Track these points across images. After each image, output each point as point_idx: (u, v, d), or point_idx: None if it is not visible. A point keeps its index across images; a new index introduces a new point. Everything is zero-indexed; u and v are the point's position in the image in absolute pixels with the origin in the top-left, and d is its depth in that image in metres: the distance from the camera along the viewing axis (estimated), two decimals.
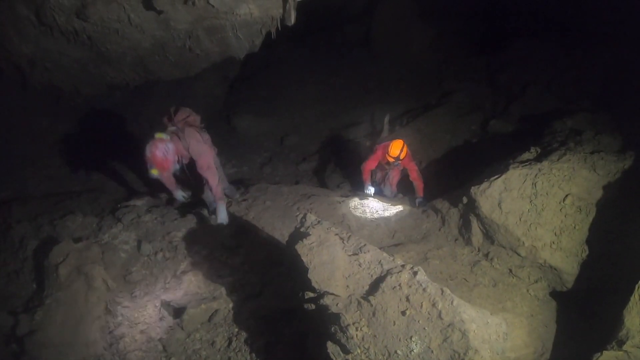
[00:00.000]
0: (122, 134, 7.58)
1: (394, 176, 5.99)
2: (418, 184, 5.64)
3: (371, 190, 5.74)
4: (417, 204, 5.59)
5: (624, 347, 3.26)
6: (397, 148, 5.39)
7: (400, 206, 5.58)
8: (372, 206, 5.53)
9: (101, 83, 6.77)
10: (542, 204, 4.30)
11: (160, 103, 7.83)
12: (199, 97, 8.18)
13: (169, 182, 4.95)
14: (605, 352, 3.34)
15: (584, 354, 3.52)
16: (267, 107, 8.14)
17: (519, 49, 7.59)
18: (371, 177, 5.90)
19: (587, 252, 4.21)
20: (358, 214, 5.27)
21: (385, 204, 5.66)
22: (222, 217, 4.70)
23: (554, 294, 4.32)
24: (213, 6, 5.30)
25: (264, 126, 7.96)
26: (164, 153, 4.53)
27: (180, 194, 5.05)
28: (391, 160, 5.47)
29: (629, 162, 4.47)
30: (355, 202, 5.50)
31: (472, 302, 4.01)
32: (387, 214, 5.42)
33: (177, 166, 4.79)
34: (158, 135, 4.60)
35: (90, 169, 6.26)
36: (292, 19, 5.62)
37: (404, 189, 6.04)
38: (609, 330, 3.46)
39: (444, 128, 6.38)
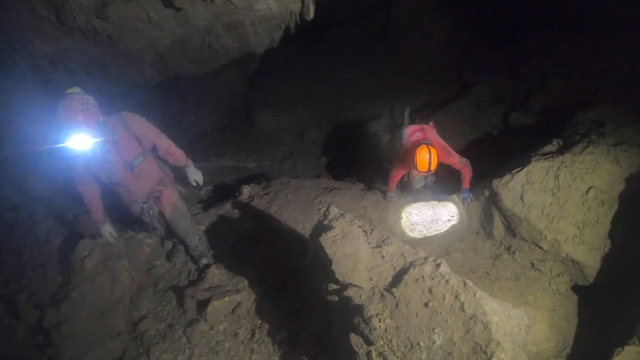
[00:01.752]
0: None
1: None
2: (465, 174, 4.90)
3: (392, 197, 5.20)
4: (461, 199, 5.00)
5: None
6: (424, 161, 4.59)
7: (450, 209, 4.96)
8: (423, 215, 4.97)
9: (122, 81, 6.84)
10: (565, 196, 4.28)
11: (181, 99, 7.95)
12: (218, 93, 8.26)
13: (93, 199, 3.76)
14: (627, 347, 3.34)
15: (606, 349, 3.51)
16: (286, 101, 8.18)
17: (539, 40, 7.51)
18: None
19: (610, 246, 4.19)
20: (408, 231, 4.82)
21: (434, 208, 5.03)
22: (198, 177, 4.04)
23: (576, 288, 4.30)
24: (232, 2, 5.33)
25: (284, 120, 8.00)
26: (85, 108, 3.31)
27: (107, 230, 3.84)
28: (421, 173, 4.78)
29: None
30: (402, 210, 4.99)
31: (494, 296, 3.99)
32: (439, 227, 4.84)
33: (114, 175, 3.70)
34: (70, 90, 3.45)
35: None
36: (311, 13, 5.63)
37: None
38: (630, 326, 3.45)
39: (464, 121, 6.35)
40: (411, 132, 5.05)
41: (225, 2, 5.30)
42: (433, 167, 4.62)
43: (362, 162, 6.53)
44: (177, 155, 3.98)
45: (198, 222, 4.84)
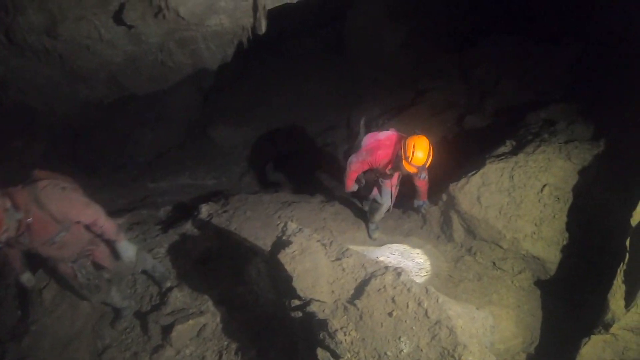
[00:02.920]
0: (98, 151, 7.55)
1: (393, 182, 4.79)
2: (423, 187, 4.69)
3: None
4: (416, 207, 4.86)
5: (611, 330, 3.33)
6: (424, 151, 4.07)
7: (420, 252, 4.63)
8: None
9: (75, 101, 6.72)
10: (521, 195, 4.37)
11: (136, 118, 7.83)
12: (174, 110, 8.16)
13: (10, 256, 3.49)
14: (593, 337, 3.42)
15: (573, 340, 3.59)
16: (243, 116, 8.14)
17: (490, 44, 7.67)
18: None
19: (568, 239, 4.29)
20: None
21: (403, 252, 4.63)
22: (130, 254, 3.60)
23: (539, 283, 4.39)
24: (183, 18, 5.30)
25: (241, 136, 7.94)
26: None
27: (26, 278, 3.55)
28: (412, 170, 4.20)
29: (602, 148, 4.56)
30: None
31: (458, 298, 4.06)
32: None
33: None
34: None
35: None
36: (262, 27, 5.62)
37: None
38: (595, 315, 3.51)
39: (419, 127, 6.39)
40: (374, 134, 4.73)
41: (177, 18, 5.27)
42: (430, 161, 4.17)
43: (320, 173, 6.53)
44: (106, 228, 3.47)
45: (158, 244, 4.73)
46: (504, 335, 3.92)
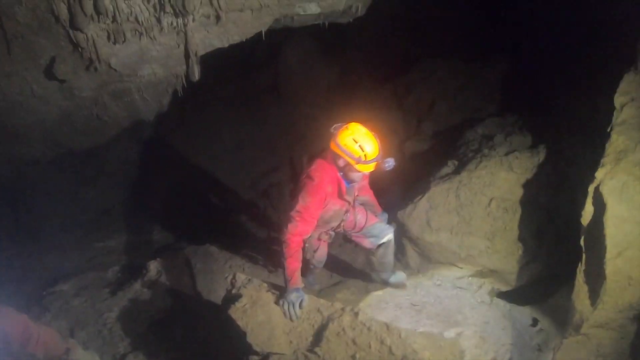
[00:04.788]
0: (40, 214, 7.24)
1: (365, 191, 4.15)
2: (372, 197, 4.22)
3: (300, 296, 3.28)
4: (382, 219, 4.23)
5: (582, 331, 3.31)
6: (366, 136, 3.49)
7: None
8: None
9: (12, 162, 6.47)
10: (469, 213, 4.39)
11: (77, 175, 7.58)
12: (115, 165, 7.95)
13: None
14: (565, 341, 3.39)
15: (546, 346, 3.57)
16: (182, 166, 7.99)
17: (421, 70, 7.80)
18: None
19: (522, 248, 4.33)
20: None
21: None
22: None
23: (501, 295, 4.39)
24: (116, 70, 5.24)
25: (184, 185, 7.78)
26: None
27: None
28: (371, 169, 3.59)
29: (542, 155, 4.66)
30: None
31: (423, 324, 3.99)
32: None
33: None
34: None
35: (8, 256, 5.86)
36: (196, 74, 5.59)
37: None
38: (563, 318, 3.52)
39: None
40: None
41: (109, 70, 5.18)
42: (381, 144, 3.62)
43: (266, 217, 6.44)
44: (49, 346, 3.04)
45: (107, 309, 4.56)
46: (475, 354, 3.86)
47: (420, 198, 4.52)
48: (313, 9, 5.72)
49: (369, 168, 3.64)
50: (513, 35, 7.02)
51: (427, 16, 8.04)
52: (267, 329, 2.75)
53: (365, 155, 3.52)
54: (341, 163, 3.62)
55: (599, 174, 3.22)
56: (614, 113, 3.46)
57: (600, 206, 3.13)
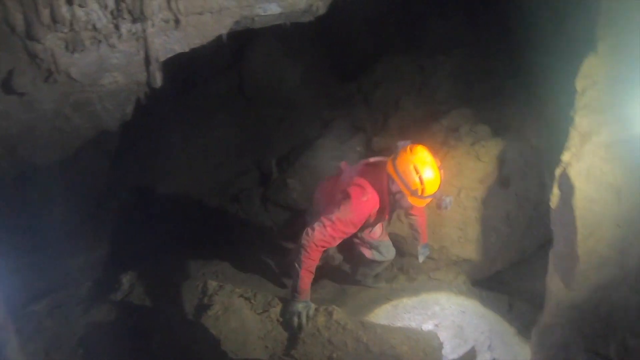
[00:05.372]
0: (9, 233, 7.04)
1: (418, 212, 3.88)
2: (423, 224, 3.98)
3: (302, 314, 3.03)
4: (420, 254, 4.09)
5: (559, 313, 3.30)
6: (430, 166, 3.19)
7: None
8: None
9: None
10: None
11: (43, 192, 7.37)
12: (81, 178, 7.76)
13: None
14: (542, 324, 3.38)
15: (524, 329, 3.59)
16: (151, 176, 7.85)
17: (386, 66, 7.84)
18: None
19: (495, 235, 4.35)
20: None
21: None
22: None
23: (477, 284, 4.41)
24: (76, 80, 5.07)
25: (150, 195, 7.65)
26: None
27: None
28: (425, 203, 3.35)
29: (508, 142, 4.71)
30: None
31: (400, 319, 3.99)
32: None
33: None
34: None
35: None
36: (157, 81, 5.44)
37: None
38: (539, 301, 3.51)
39: (329, 156, 6.40)
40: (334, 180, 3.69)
41: (69, 80, 5.02)
42: (443, 180, 3.26)
43: (238, 223, 6.37)
44: None
45: (82, 327, 4.44)
46: (454, 344, 3.87)
47: None
48: (273, 9, 5.67)
49: (422, 203, 3.31)
50: (474, 26, 7.10)
51: (389, 12, 8.09)
52: (241, 336, 2.69)
53: (422, 189, 3.16)
54: (394, 188, 3.27)
55: (565, 157, 3.24)
56: (576, 97, 3.48)
57: (568, 189, 3.15)
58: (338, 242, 3.29)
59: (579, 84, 3.54)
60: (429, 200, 3.30)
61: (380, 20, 8.23)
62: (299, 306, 2.99)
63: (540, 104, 4.78)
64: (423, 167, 3.17)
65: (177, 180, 7.76)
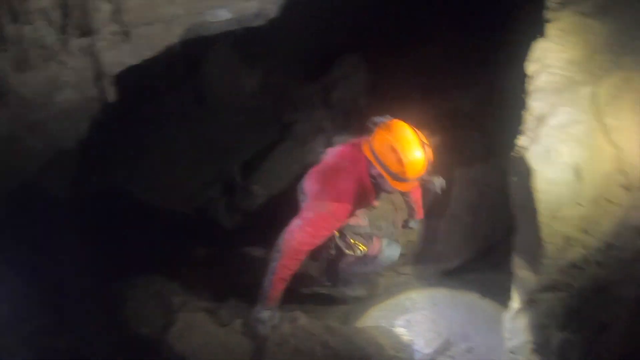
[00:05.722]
0: None
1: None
2: (419, 201, 3.84)
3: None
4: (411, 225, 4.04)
5: (529, 297, 3.32)
6: (413, 144, 2.87)
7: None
8: None
9: None
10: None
11: (4, 222, 7.13)
12: (40, 205, 7.55)
13: None
14: (514, 310, 3.38)
15: (498, 316, 3.58)
16: (113, 192, 7.69)
17: (344, 65, 7.86)
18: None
19: (459, 224, 4.39)
20: None
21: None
22: None
23: (447, 274, 4.44)
24: (28, 100, 4.94)
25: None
26: None
27: None
28: (412, 186, 3.13)
29: (467, 131, 4.73)
30: None
31: (371, 317, 3.96)
32: None
33: None
34: None
35: None
36: (111, 95, 5.35)
37: None
38: (510, 287, 3.52)
39: (292, 160, 6.36)
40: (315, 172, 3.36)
41: (20, 101, 4.88)
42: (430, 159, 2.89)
43: (206, 233, 6.27)
44: None
45: None
46: (427, 337, 3.85)
47: None
48: (224, 15, 5.61)
49: (406, 187, 3.04)
50: (431, 23, 7.16)
51: (343, 11, 8.08)
52: (207, 351, 2.61)
53: (404, 172, 2.83)
54: (374, 172, 2.99)
55: (521, 141, 3.26)
56: (528, 80, 3.51)
57: (526, 173, 3.17)
58: (321, 241, 3.03)
59: (531, 68, 3.58)
60: (414, 183, 3.02)
61: (336, 20, 8.21)
62: (265, 314, 2.83)
63: (497, 91, 4.82)
64: (402, 146, 2.81)
65: (140, 196, 7.60)
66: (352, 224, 3.43)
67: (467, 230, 4.32)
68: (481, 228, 4.32)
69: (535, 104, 3.38)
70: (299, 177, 6.20)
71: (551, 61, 3.57)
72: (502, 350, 3.22)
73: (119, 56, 5.21)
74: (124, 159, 8.41)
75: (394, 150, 2.80)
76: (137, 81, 7.38)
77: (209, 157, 7.86)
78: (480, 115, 4.77)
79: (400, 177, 2.84)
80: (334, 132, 6.74)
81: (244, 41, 8.16)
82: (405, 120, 3.04)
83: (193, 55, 8.74)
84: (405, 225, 4.05)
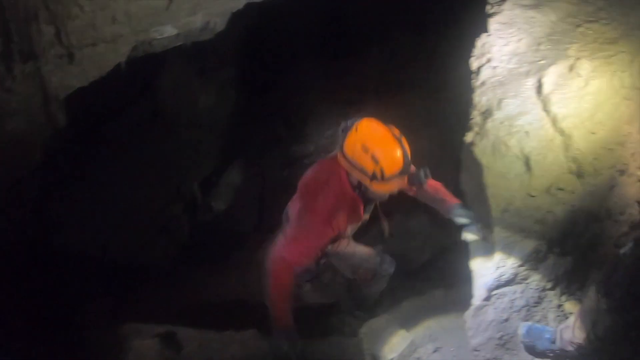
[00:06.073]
0: None
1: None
2: (439, 188, 3.33)
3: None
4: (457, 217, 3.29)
5: (489, 293, 3.25)
6: (387, 143, 2.64)
7: None
8: None
9: None
10: None
11: None
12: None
13: None
14: (475, 306, 3.32)
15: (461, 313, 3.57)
16: (71, 219, 7.50)
17: (297, 73, 7.87)
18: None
19: (418, 225, 4.39)
20: None
21: None
22: None
23: (409, 275, 4.43)
24: None
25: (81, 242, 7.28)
26: None
27: None
28: (396, 187, 2.81)
29: (420, 131, 4.73)
30: None
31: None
32: None
33: None
34: None
35: None
36: (60, 120, 5.25)
37: None
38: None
39: (250, 173, 6.32)
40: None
41: None
42: (408, 151, 2.70)
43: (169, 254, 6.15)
44: None
45: None
46: (392, 342, 3.79)
47: None
48: (169, 30, 5.53)
49: (389, 187, 2.72)
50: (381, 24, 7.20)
51: (293, 19, 8.08)
52: None
53: (381, 169, 2.58)
54: (353, 180, 2.77)
55: (469, 137, 3.27)
56: (473, 76, 3.53)
57: (477, 168, 3.17)
58: (308, 259, 2.88)
59: (475, 63, 3.61)
60: (397, 181, 2.71)
61: (286, 28, 8.20)
62: (283, 341, 2.72)
63: (447, 89, 4.86)
64: (373, 143, 2.57)
65: (100, 221, 7.43)
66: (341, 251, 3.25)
67: (427, 228, 4.31)
68: (441, 225, 4.30)
69: (480, 99, 3.41)
70: (259, 190, 6.22)
71: (494, 55, 3.61)
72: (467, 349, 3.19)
73: (66, 79, 5.08)
74: (83, 187, 8.24)
75: (365, 149, 2.57)
76: (87, 103, 7.26)
77: (169, 175, 7.75)
78: (431, 112, 4.79)
79: (379, 177, 2.60)
80: (292, 141, 6.74)
81: (195, 56, 8.11)
82: (372, 117, 2.80)
83: (143, 73, 8.65)
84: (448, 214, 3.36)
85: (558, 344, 2.77)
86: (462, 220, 3.26)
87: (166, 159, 8.09)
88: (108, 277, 6.27)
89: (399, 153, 2.63)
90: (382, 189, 2.72)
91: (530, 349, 2.91)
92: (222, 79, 8.46)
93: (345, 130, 2.69)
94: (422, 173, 2.83)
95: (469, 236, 3.32)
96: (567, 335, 2.69)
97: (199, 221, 6.28)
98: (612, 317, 2.31)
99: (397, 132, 2.72)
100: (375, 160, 2.55)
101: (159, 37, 5.41)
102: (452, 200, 3.30)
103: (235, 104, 8.20)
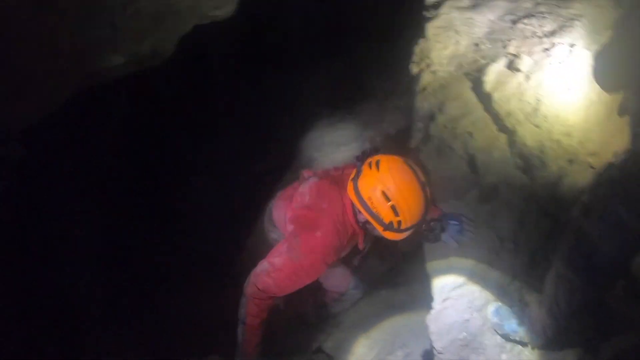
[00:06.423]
0: None
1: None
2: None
3: None
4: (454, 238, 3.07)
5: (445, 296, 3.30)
6: (412, 193, 2.44)
7: None
8: None
9: None
10: None
11: None
12: None
13: None
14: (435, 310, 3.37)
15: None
16: (28, 265, 7.28)
17: (255, 87, 7.82)
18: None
19: None
20: None
21: None
22: None
23: (373, 283, 4.41)
24: None
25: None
26: None
27: None
28: (407, 235, 2.57)
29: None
30: None
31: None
32: None
33: None
34: None
35: None
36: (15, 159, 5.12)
37: None
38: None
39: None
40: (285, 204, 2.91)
41: None
42: (429, 201, 2.50)
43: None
44: None
45: None
46: (359, 353, 3.77)
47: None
48: (118, 59, 5.44)
49: (401, 236, 2.51)
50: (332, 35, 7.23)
51: (248, 36, 8.07)
52: None
53: (399, 222, 2.40)
54: (361, 218, 2.54)
55: (414, 142, 3.29)
56: (414, 82, 3.55)
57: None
58: (289, 292, 2.59)
59: (414, 68, 3.62)
60: (411, 231, 2.49)
61: (241, 46, 8.20)
62: None
63: (396, 96, 4.88)
64: (397, 194, 2.34)
65: (61, 265, 7.20)
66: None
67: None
68: None
69: (423, 104, 3.42)
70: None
71: (433, 60, 3.62)
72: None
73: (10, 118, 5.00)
74: (40, 229, 8.03)
75: (387, 198, 2.35)
76: (30, 147, 7.10)
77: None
78: (384, 121, 4.82)
79: (395, 228, 2.42)
80: (256, 158, 6.72)
81: (145, 84, 8.07)
82: (399, 154, 2.59)
83: (95, 105, 8.51)
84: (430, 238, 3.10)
85: (525, 324, 2.82)
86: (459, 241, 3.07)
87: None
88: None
89: (423, 205, 2.43)
90: (393, 237, 2.52)
91: (498, 328, 2.94)
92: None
93: (364, 161, 2.45)
94: (438, 226, 2.68)
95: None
96: (534, 314, 2.73)
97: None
98: (576, 290, 2.33)
99: (422, 176, 2.49)
100: (396, 212, 2.37)
101: (107, 66, 5.33)
102: (438, 211, 3.09)
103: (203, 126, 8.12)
